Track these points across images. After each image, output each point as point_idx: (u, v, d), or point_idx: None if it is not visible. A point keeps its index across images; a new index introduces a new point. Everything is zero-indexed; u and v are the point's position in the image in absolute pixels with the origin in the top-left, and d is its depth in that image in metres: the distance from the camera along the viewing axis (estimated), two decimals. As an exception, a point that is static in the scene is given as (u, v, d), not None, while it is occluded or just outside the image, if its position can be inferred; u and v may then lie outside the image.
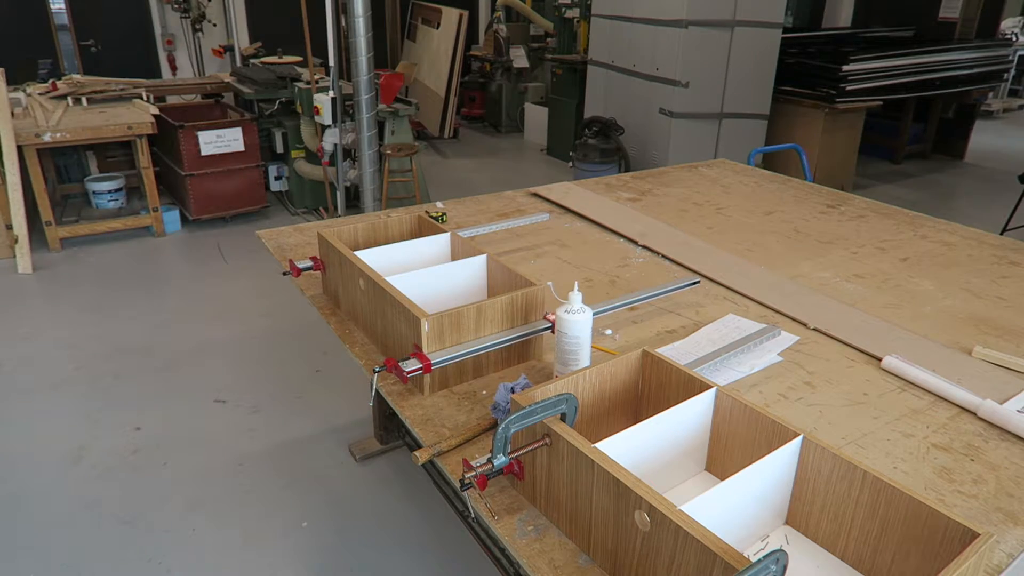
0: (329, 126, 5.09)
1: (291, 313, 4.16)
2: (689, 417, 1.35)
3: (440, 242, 2.14)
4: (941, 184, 7.19)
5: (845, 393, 1.70)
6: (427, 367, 1.60)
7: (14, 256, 4.66)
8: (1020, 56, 10.08)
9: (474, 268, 1.99)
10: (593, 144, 6.11)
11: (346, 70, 5.34)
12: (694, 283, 2.16)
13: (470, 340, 1.68)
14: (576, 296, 1.59)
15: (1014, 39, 9.93)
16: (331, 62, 4.93)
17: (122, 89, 5.77)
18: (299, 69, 6.17)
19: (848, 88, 6.23)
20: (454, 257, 2.13)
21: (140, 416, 3.21)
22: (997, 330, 2.02)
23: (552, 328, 1.74)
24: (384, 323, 1.80)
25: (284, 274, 2.17)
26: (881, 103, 6.61)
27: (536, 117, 8.26)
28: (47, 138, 4.73)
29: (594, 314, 1.64)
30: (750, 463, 1.19)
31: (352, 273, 1.91)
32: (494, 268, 1.96)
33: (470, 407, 1.63)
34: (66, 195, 5.72)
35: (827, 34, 8.12)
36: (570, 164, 6.54)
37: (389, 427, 2.94)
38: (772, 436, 1.26)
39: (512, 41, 8.53)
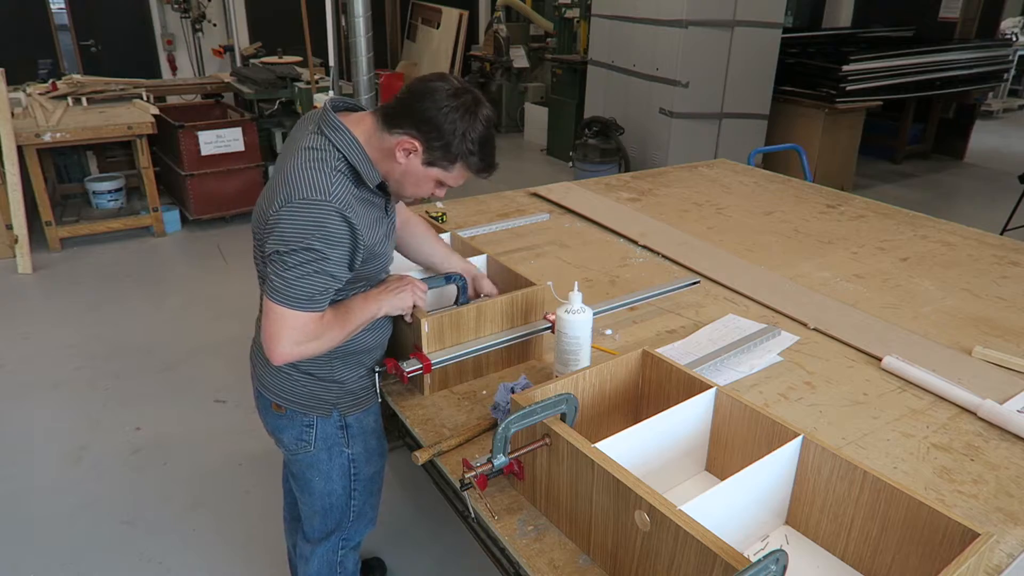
0: (329, 126, 5.08)
1: (291, 313, 4.15)
2: (689, 417, 1.35)
3: (440, 242, 2.14)
4: (941, 184, 7.19)
5: (845, 393, 1.70)
6: (427, 367, 1.60)
7: (14, 256, 4.66)
8: (1020, 56, 10.07)
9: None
10: (593, 144, 6.11)
11: (346, 70, 5.34)
12: (694, 283, 2.16)
13: (470, 340, 1.68)
14: (576, 296, 1.59)
15: (1014, 39, 9.92)
16: (331, 62, 4.93)
17: (122, 89, 5.77)
18: (299, 69, 6.17)
19: (848, 88, 6.22)
20: (455, 257, 2.13)
21: (140, 416, 3.21)
22: (997, 330, 2.02)
23: (552, 328, 1.74)
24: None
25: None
26: (881, 103, 6.60)
27: (536, 117, 8.26)
28: (47, 138, 4.73)
29: (594, 314, 1.64)
30: (750, 463, 1.19)
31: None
32: (495, 268, 1.96)
33: (470, 407, 1.63)
34: (66, 195, 5.72)
35: (827, 34, 8.12)
36: (570, 164, 6.53)
37: (389, 427, 2.94)
38: (772, 436, 1.26)
39: (512, 41, 8.52)
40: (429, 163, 1.39)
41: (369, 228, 1.42)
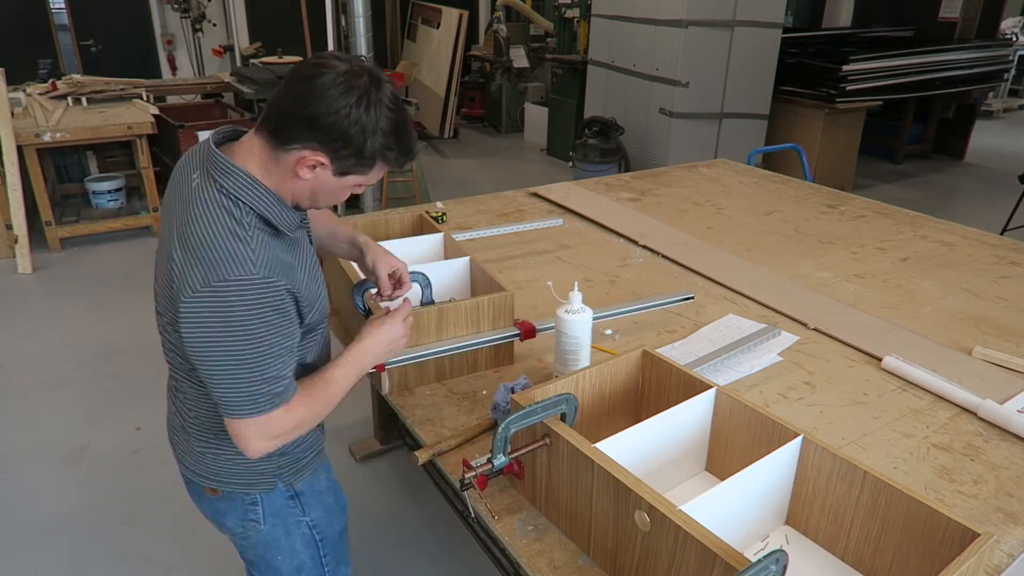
0: (329, 126, 5.08)
1: (291, 313, 4.15)
2: (689, 417, 1.35)
3: (433, 241, 2.14)
4: (941, 184, 7.18)
5: (845, 393, 1.70)
6: (380, 367, 1.59)
7: (14, 256, 4.65)
8: (1020, 56, 10.07)
9: (458, 269, 1.98)
10: (593, 144, 6.10)
11: (346, 70, 5.34)
12: (688, 298, 2.11)
13: (430, 342, 1.68)
14: (576, 296, 1.59)
15: (1014, 39, 9.92)
16: (331, 62, 4.92)
17: (122, 89, 5.77)
18: (299, 69, 6.16)
19: (848, 88, 6.22)
20: (446, 257, 2.13)
21: (140, 416, 3.21)
22: (997, 330, 2.02)
23: (521, 336, 1.75)
24: (359, 321, 1.79)
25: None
26: (881, 103, 6.60)
27: (536, 117, 8.25)
28: (47, 138, 4.73)
29: (592, 319, 1.63)
30: (750, 463, 1.19)
31: (339, 270, 1.91)
32: (476, 271, 1.96)
33: (470, 407, 1.63)
34: (66, 195, 5.71)
35: (827, 34, 8.12)
36: (570, 164, 6.53)
37: (389, 427, 2.94)
38: (772, 436, 1.26)
39: (512, 41, 8.52)
40: (342, 173, 1.16)
41: (303, 281, 1.21)
